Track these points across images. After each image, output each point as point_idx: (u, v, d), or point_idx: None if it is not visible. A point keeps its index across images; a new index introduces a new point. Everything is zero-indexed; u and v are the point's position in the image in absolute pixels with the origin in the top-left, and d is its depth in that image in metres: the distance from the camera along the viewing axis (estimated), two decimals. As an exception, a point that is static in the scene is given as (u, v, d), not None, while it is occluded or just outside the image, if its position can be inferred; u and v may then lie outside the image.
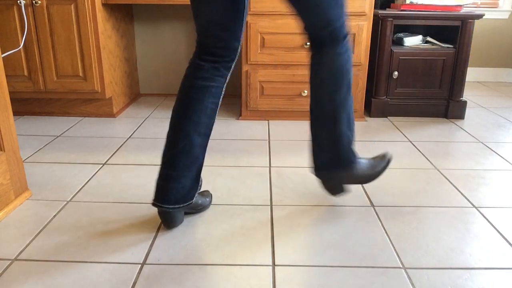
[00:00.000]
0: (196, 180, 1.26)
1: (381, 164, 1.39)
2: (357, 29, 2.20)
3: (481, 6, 3.34)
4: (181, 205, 1.24)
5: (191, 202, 1.26)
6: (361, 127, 2.27)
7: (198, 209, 1.37)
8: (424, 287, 1.04)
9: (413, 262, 1.14)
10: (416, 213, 1.39)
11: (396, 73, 2.37)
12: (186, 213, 1.34)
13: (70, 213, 1.37)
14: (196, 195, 1.29)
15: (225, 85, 1.25)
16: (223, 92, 1.25)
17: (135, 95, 2.81)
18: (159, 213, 1.25)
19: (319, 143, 1.32)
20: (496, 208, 1.44)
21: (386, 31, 2.31)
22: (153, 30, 2.80)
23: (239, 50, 1.24)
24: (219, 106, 1.25)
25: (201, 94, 1.20)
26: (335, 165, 1.32)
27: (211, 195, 1.46)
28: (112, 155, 1.86)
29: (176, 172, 1.21)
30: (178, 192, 1.22)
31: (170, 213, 1.24)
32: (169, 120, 2.36)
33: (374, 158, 1.41)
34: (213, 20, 1.16)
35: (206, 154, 1.88)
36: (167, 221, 1.27)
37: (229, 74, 1.26)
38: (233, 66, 1.25)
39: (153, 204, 1.23)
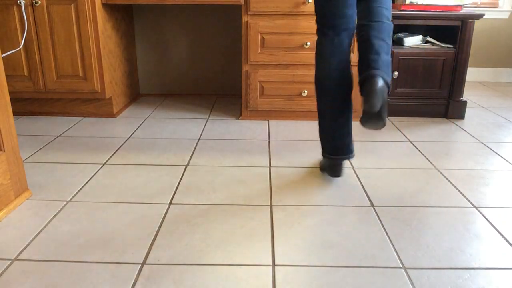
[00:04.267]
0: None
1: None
2: (357, 29, 2.20)
3: (481, 6, 3.34)
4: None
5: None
6: (361, 127, 2.27)
7: None
8: (424, 287, 1.04)
9: (413, 262, 1.14)
10: (416, 213, 1.40)
11: (396, 73, 2.37)
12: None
13: (70, 213, 1.37)
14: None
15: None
16: None
17: (135, 95, 2.81)
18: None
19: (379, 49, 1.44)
20: (496, 208, 1.44)
21: (386, 31, 2.31)
22: (153, 30, 2.80)
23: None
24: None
25: None
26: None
27: None
28: (112, 155, 1.86)
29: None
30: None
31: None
32: (168, 120, 2.37)
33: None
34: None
35: (205, 154, 1.88)
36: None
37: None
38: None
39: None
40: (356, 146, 1.99)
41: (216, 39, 2.82)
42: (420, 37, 2.47)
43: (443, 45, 2.42)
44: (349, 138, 1.56)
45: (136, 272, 1.09)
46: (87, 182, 1.59)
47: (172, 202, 1.45)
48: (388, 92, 1.41)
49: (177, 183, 1.59)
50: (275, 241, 1.23)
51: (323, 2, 1.46)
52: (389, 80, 1.40)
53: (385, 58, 1.42)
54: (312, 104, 2.33)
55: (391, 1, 1.53)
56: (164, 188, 1.55)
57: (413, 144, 2.02)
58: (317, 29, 1.52)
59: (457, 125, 2.34)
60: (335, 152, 1.55)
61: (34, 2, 2.11)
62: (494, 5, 3.35)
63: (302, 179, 1.64)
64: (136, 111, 2.53)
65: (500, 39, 3.42)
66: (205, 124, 2.29)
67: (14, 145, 1.42)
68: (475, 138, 2.13)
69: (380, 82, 1.35)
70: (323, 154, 1.61)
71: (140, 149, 1.93)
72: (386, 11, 1.49)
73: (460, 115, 2.45)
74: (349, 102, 1.53)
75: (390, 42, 1.47)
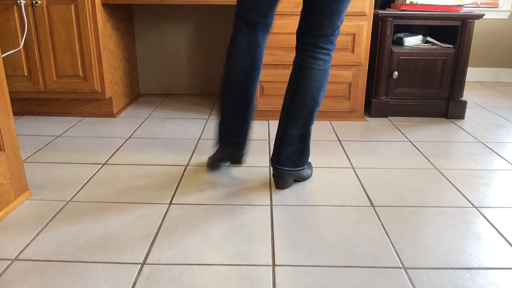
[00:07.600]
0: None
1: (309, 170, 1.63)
2: (357, 29, 2.20)
3: (481, 6, 3.34)
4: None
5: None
6: (361, 127, 2.27)
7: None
8: (424, 287, 1.04)
9: (413, 262, 1.14)
10: (416, 213, 1.40)
11: (396, 73, 2.37)
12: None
13: (70, 213, 1.37)
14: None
15: None
16: None
17: (135, 95, 2.81)
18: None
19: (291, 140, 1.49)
20: (496, 208, 1.44)
21: (386, 31, 2.31)
22: (153, 30, 2.80)
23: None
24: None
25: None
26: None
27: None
28: (112, 155, 1.86)
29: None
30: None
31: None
32: (168, 120, 2.37)
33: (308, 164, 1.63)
34: None
35: (205, 154, 1.88)
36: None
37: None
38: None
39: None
40: (356, 146, 1.99)
41: (216, 39, 2.82)
42: (420, 37, 2.47)
43: (443, 45, 2.42)
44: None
45: (136, 272, 1.09)
46: (87, 182, 1.59)
47: (172, 202, 1.45)
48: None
49: (177, 183, 1.59)
50: (275, 241, 1.23)
51: None
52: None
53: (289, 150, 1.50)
54: (312, 104, 2.33)
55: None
56: (164, 188, 1.55)
57: (413, 144, 2.02)
58: None
59: (457, 125, 2.34)
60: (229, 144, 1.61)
61: (34, 2, 2.11)
62: (494, 5, 3.35)
63: (302, 179, 1.64)
64: (136, 111, 2.53)
65: (500, 39, 3.42)
66: (205, 124, 2.29)
67: (14, 145, 1.42)
68: (475, 138, 2.13)
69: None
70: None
71: (140, 149, 1.93)
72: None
73: (460, 115, 2.45)
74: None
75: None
